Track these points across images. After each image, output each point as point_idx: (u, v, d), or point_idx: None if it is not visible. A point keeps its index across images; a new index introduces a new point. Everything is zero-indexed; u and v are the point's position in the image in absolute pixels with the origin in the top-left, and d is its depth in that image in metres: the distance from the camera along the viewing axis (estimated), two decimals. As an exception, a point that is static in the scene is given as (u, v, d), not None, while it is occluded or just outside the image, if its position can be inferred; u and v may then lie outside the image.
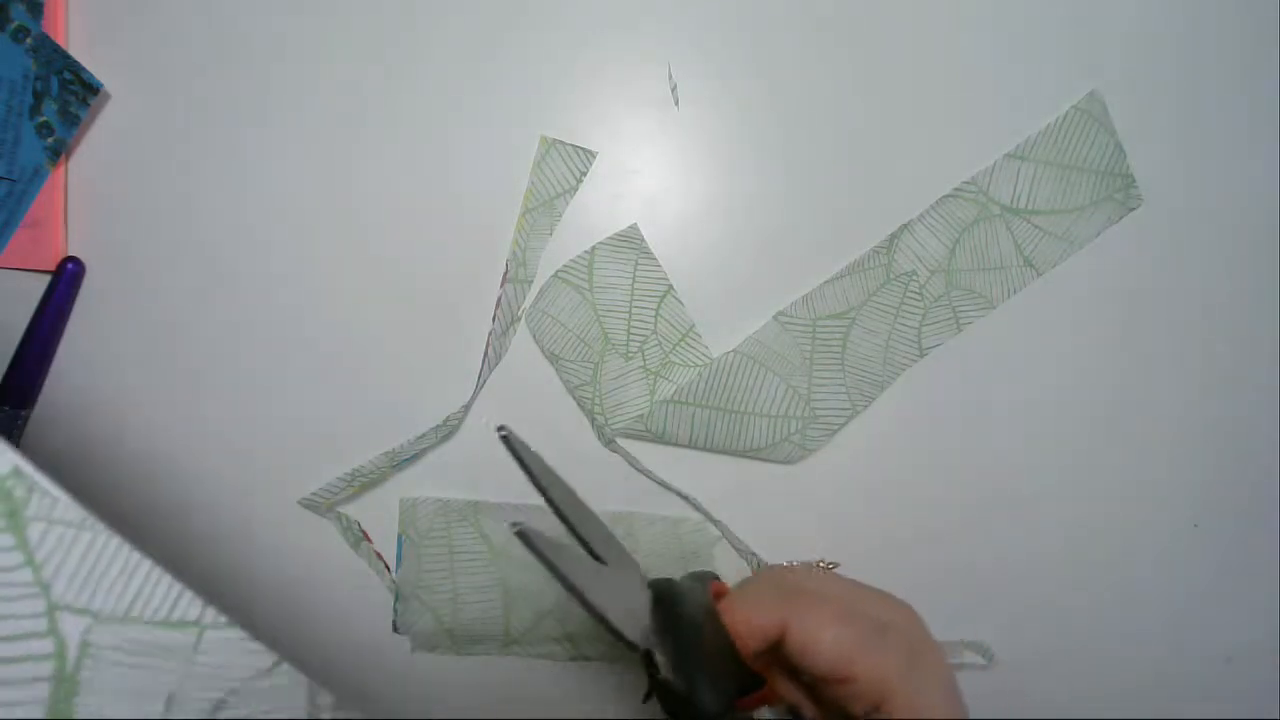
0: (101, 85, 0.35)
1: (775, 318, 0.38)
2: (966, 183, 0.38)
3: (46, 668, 0.18)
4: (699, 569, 0.39)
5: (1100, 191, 0.38)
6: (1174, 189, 0.39)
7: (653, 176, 0.37)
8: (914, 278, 0.38)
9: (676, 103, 0.37)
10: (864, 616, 0.24)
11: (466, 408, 0.37)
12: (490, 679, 0.40)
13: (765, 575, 0.28)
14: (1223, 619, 0.41)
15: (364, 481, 0.37)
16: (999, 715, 0.40)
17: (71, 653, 0.18)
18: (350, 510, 0.39)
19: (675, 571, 0.39)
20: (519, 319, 0.38)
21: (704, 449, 0.38)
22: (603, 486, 0.38)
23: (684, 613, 0.25)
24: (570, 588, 0.21)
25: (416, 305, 0.37)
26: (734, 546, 0.39)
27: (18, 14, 0.33)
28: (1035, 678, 0.40)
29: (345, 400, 0.38)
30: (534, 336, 0.37)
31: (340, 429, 0.38)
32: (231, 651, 0.20)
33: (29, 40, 0.33)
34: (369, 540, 0.39)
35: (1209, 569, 0.40)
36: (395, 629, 0.39)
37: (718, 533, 0.39)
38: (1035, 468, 0.39)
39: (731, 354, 0.37)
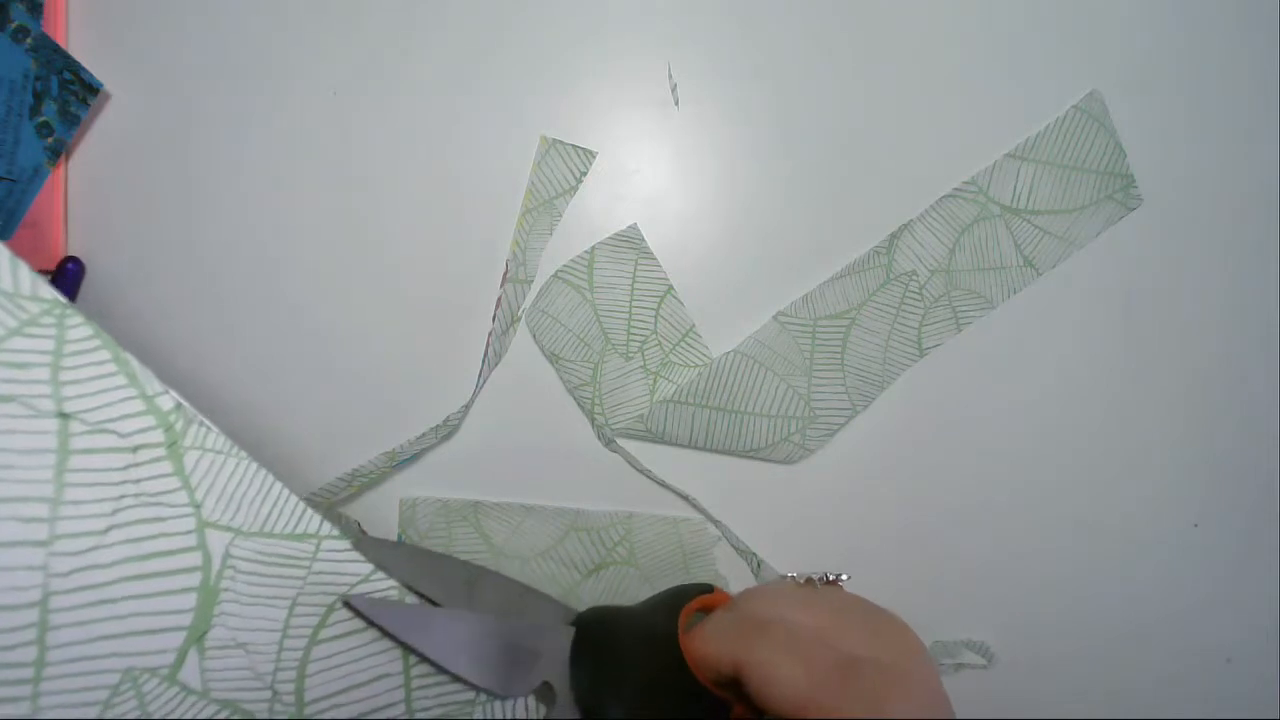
0: (101, 85, 0.35)
1: (775, 318, 0.38)
2: (966, 183, 0.38)
3: (195, 578, 0.21)
4: (699, 572, 0.39)
5: (1100, 191, 0.38)
6: (1174, 189, 0.39)
7: (653, 176, 0.37)
8: (914, 278, 0.38)
9: (676, 103, 0.37)
10: (828, 654, 0.22)
11: (466, 408, 0.37)
12: (490, 679, 0.40)
13: (741, 601, 0.26)
14: (1223, 619, 0.41)
15: (364, 481, 0.37)
16: (999, 715, 0.40)
17: (215, 565, 0.21)
18: (350, 510, 0.39)
19: (676, 572, 0.39)
20: (519, 319, 0.38)
21: (704, 449, 0.38)
22: (603, 486, 0.38)
23: (611, 641, 0.25)
24: (401, 642, 0.21)
25: (416, 305, 0.37)
26: (734, 546, 0.39)
27: (18, 14, 0.33)
28: (1035, 678, 0.40)
29: (345, 400, 0.38)
30: (534, 336, 0.37)
31: (340, 429, 0.38)
32: (340, 559, 0.22)
33: (29, 40, 0.33)
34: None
35: (1209, 569, 0.40)
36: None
37: (718, 533, 0.39)
38: (1035, 468, 0.39)
39: (731, 354, 0.37)
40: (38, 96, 0.34)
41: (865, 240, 0.38)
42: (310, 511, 0.22)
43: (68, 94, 0.34)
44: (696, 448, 0.38)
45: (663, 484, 0.38)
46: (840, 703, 0.21)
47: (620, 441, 0.38)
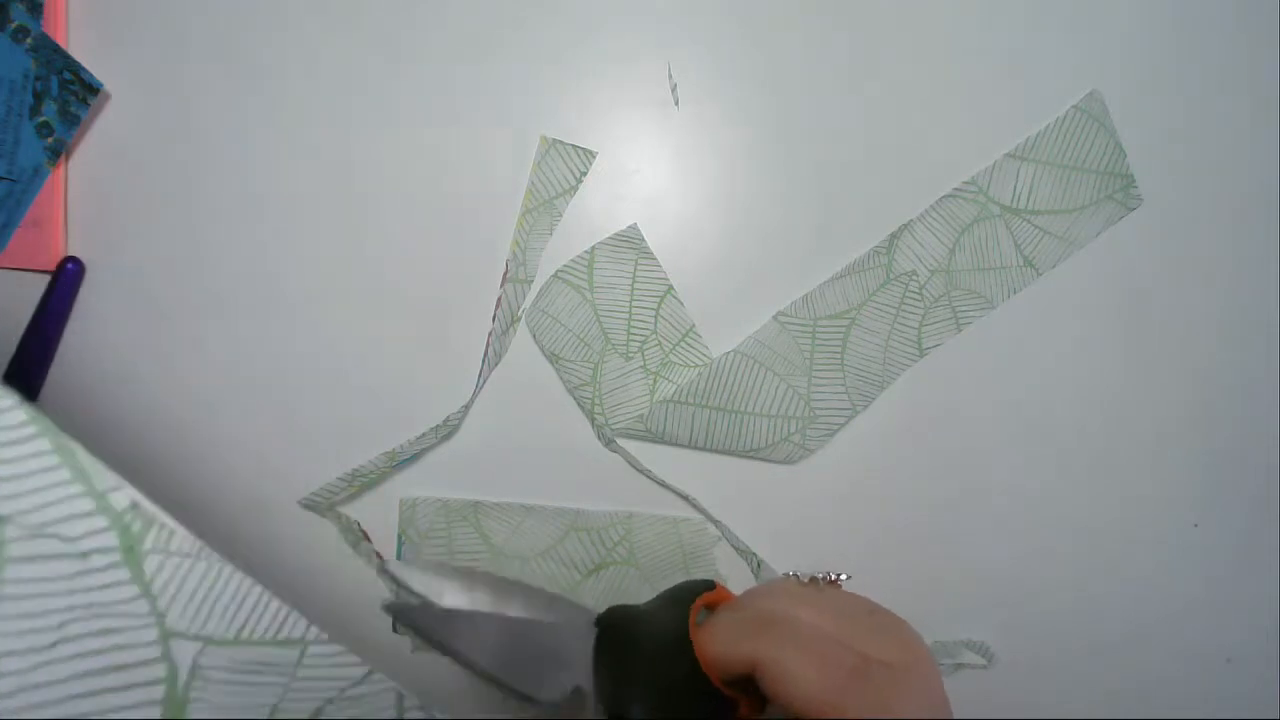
0: (101, 85, 0.35)
1: (775, 318, 0.38)
2: (966, 183, 0.38)
3: (159, 691, 0.19)
4: (699, 572, 0.39)
5: (1100, 191, 0.38)
6: (1174, 189, 0.39)
7: (653, 176, 0.37)
8: (914, 278, 0.38)
9: (676, 103, 0.37)
10: (842, 654, 0.22)
11: (466, 408, 0.37)
12: (490, 679, 0.40)
13: (748, 599, 0.26)
14: (1223, 619, 0.41)
15: (364, 481, 0.37)
16: (999, 715, 0.40)
17: (182, 676, 0.19)
18: (350, 510, 0.39)
19: (676, 572, 0.39)
20: (519, 319, 0.38)
21: (704, 449, 0.38)
22: (603, 486, 0.38)
23: (629, 642, 0.25)
24: (455, 656, 0.21)
25: (416, 305, 0.37)
26: (734, 546, 0.39)
27: (18, 14, 0.33)
28: (1035, 678, 0.40)
29: (345, 400, 0.38)
30: (534, 336, 0.37)
31: (340, 429, 0.38)
32: (330, 664, 0.21)
33: (29, 40, 0.33)
34: (369, 540, 0.39)
35: (1209, 569, 0.40)
36: (395, 629, 0.39)
37: (718, 533, 0.39)
38: (1035, 468, 0.39)
39: (731, 354, 0.37)
40: (38, 96, 0.34)
41: (865, 240, 0.38)
42: (294, 615, 0.21)
43: (68, 94, 0.34)
44: (696, 448, 0.38)
45: (663, 484, 0.38)
46: (850, 701, 0.21)
47: (620, 441, 0.38)
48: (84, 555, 0.19)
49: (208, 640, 0.20)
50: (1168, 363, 0.40)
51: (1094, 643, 0.41)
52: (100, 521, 0.19)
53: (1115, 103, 0.38)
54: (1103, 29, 0.38)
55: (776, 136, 0.37)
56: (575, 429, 0.38)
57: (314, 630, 0.21)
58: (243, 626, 0.20)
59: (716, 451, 0.38)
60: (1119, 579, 0.40)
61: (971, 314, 0.38)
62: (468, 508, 0.38)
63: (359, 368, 0.38)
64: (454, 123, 0.37)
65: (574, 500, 0.38)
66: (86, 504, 0.19)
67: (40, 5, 0.34)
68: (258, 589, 0.20)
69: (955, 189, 0.38)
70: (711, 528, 0.39)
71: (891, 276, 0.38)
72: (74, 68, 0.34)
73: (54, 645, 0.18)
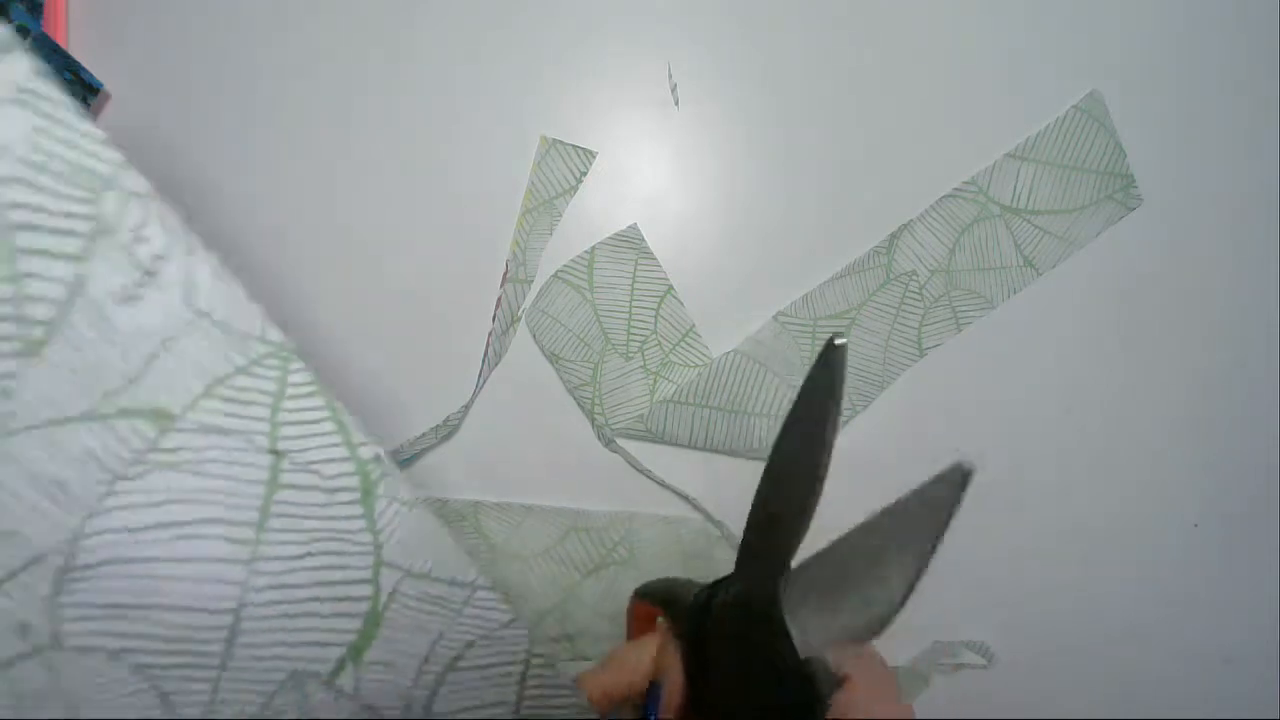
0: (102, 85, 0.35)
1: (775, 318, 0.38)
2: (966, 183, 0.38)
3: (364, 606, 0.24)
4: (698, 572, 0.39)
5: (1100, 191, 0.38)
6: (1174, 189, 0.39)
7: (653, 176, 0.37)
8: (914, 278, 0.38)
9: (676, 103, 0.37)
10: None
11: (466, 408, 0.37)
12: (490, 679, 0.40)
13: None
14: (1222, 619, 0.41)
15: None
16: (999, 715, 0.40)
17: (383, 598, 0.24)
18: (350, 510, 0.39)
19: (676, 572, 0.39)
20: (519, 319, 0.38)
21: (704, 449, 0.38)
22: (603, 486, 0.38)
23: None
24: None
25: (416, 305, 0.37)
26: (734, 547, 0.39)
27: (18, 14, 0.33)
28: (1035, 678, 0.40)
29: (345, 400, 0.38)
30: (534, 336, 0.37)
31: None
32: (487, 607, 0.25)
33: (29, 40, 0.33)
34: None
35: (1209, 569, 0.40)
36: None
37: (718, 533, 0.39)
38: (1035, 467, 0.39)
39: (731, 354, 0.37)
40: (38, 96, 0.34)
41: (865, 240, 0.38)
42: (470, 564, 0.25)
43: (68, 94, 0.34)
44: (696, 448, 0.38)
45: (663, 484, 0.38)
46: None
47: (620, 441, 0.38)
48: (333, 491, 0.23)
49: (407, 572, 0.24)
50: (1167, 362, 0.40)
51: (1094, 643, 0.41)
52: (349, 467, 0.23)
53: (1115, 103, 0.38)
54: (1103, 29, 0.38)
55: (776, 137, 0.37)
56: (575, 429, 0.38)
57: (482, 579, 0.25)
58: (433, 566, 0.24)
59: (716, 451, 0.38)
60: (1119, 579, 0.40)
61: (971, 314, 0.38)
62: (468, 508, 0.38)
63: (359, 367, 0.38)
64: (454, 123, 0.37)
65: (574, 500, 0.38)
66: (342, 452, 0.23)
67: (40, 5, 0.34)
68: (450, 540, 0.25)
69: (955, 189, 0.38)
70: (711, 528, 0.39)
71: (891, 276, 0.38)
72: (74, 68, 0.34)
73: (303, 556, 0.23)
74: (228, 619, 0.22)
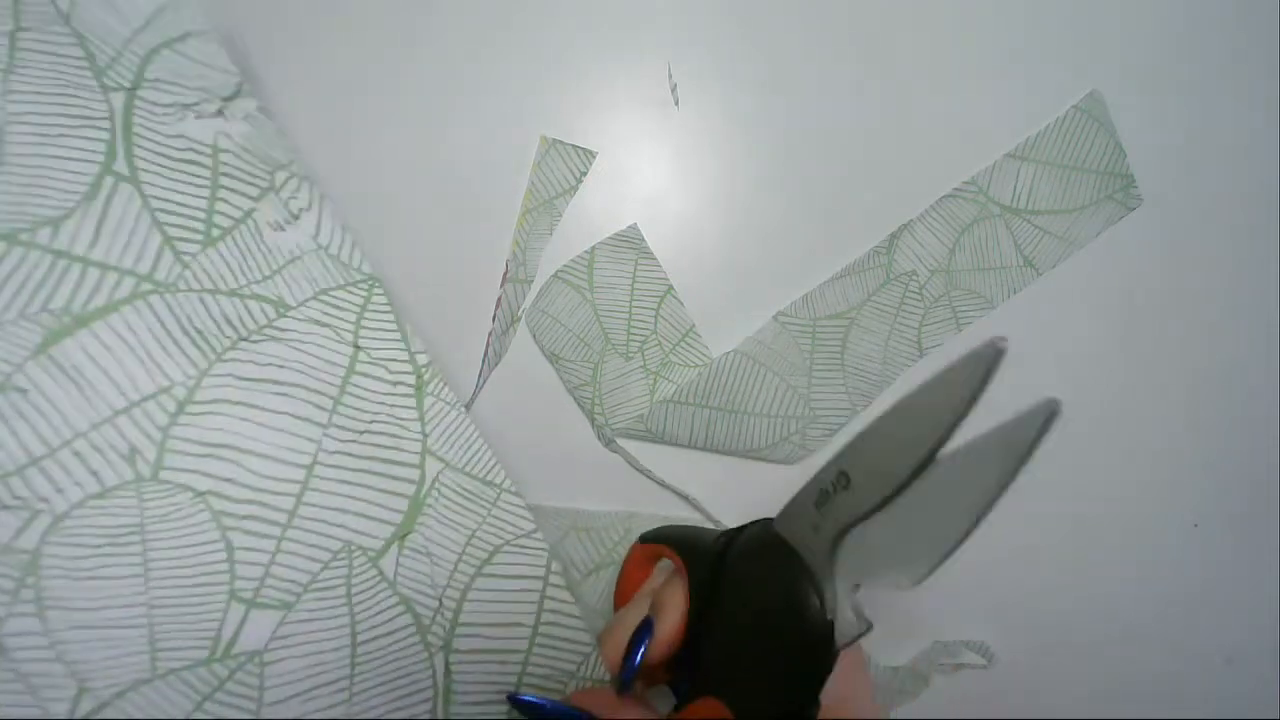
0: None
1: (775, 318, 0.38)
2: (966, 183, 0.38)
3: (410, 488, 0.28)
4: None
5: (1100, 191, 0.38)
6: (1174, 189, 0.39)
7: (653, 176, 0.37)
8: (914, 278, 0.38)
9: (676, 103, 0.37)
10: None
11: (467, 408, 0.37)
12: (490, 679, 0.40)
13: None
14: (1223, 619, 0.41)
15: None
16: (999, 715, 0.40)
17: (426, 484, 0.28)
18: (350, 510, 0.39)
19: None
20: (519, 319, 0.38)
21: (704, 449, 0.38)
22: (603, 486, 0.38)
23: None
24: None
25: (416, 305, 0.37)
26: (734, 546, 0.39)
27: (18, 14, 0.33)
28: (1035, 678, 0.40)
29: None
30: (534, 336, 0.37)
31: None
32: (512, 511, 0.29)
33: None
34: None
35: (1209, 569, 0.40)
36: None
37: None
38: (1034, 467, 0.39)
39: (731, 354, 0.37)
40: (38, 96, 0.34)
41: (865, 240, 0.38)
42: (500, 467, 0.29)
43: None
44: (696, 448, 0.38)
45: (663, 484, 0.38)
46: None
47: (620, 441, 0.38)
48: (395, 383, 0.28)
49: (448, 464, 0.29)
50: (1168, 362, 0.39)
51: (1094, 643, 0.41)
52: (408, 366, 0.29)
53: (1115, 103, 0.38)
54: (1103, 29, 0.38)
55: (776, 136, 0.37)
56: (575, 429, 0.38)
57: (509, 482, 0.29)
58: (469, 461, 0.29)
59: (716, 451, 0.38)
60: (1119, 579, 0.40)
61: (971, 314, 0.38)
62: (468, 508, 0.38)
63: (359, 368, 0.38)
64: (453, 123, 0.37)
65: (574, 500, 0.39)
66: (404, 355, 0.29)
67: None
68: (481, 440, 0.29)
69: (955, 189, 0.38)
70: (711, 528, 0.39)
71: (891, 277, 0.38)
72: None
73: (363, 433, 0.28)
74: (302, 474, 0.26)
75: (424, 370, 0.29)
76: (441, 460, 0.28)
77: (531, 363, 0.38)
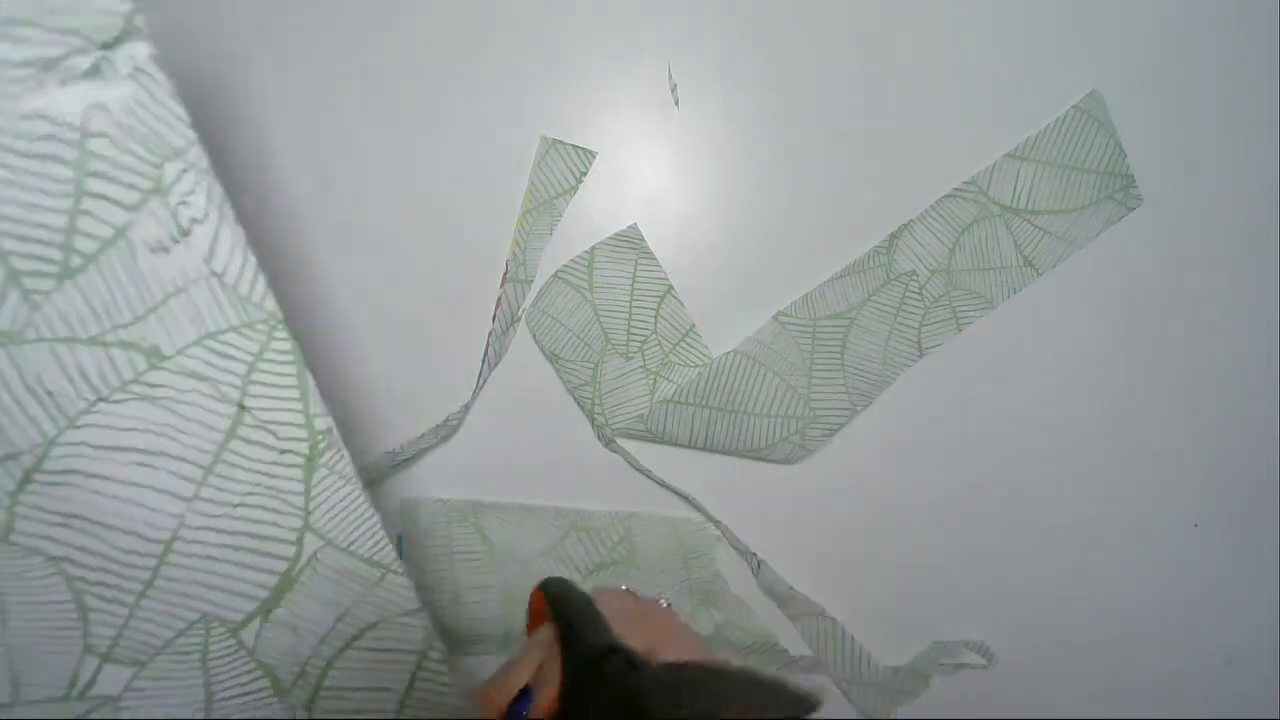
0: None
1: (775, 318, 0.38)
2: (966, 183, 0.38)
3: (283, 565, 0.25)
4: (698, 572, 0.39)
5: (1100, 191, 0.38)
6: (1174, 189, 0.39)
7: (653, 176, 0.37)
8: (914, 278, 0.38)
9: (676, 103, 0.37)
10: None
11: (467, 408, 0.37)
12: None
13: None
14: (1223, 619, 0.41)
15: (364, 481, 0.37)
16: (999, 715, 0.40)
17: (302, 562, 0.25)
18: (350, 510, 0.39)
19: (676, 572, 0.39)
20: (519, 319, 0.38)
21: (704, 449, 0.38)
22: (603, 486, 0.38)
23: None
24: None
25: (416, 305, 0.37)
26: (734, 546, 0.39)
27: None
28: (1035, 678, 0.40)
29: (346, 400, 0.38)
30: (534, 336, 0.37)
31: (340, 429, 0.38)
32: (396, 591, 0.26)
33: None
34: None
35: (1209, 569, 0.40)
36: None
37: (718, 533, 0.39)
38: (1035, 467, 0.39)
39: (731, 354, 0.37)
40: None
41: (865, 240, 0.38)
42: (389, 547, 0.26)
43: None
44: (696, 448, 0.38)
45: (663, 484, 0.38)
46: None
47: (620, 441, 0.38)
48: (281, 452, 0.25)
49: (329, 542, 0.26)
50: (1168, 363, 0.39)
51: (1094, 643, 0.41)
52: (302, 433, 0.25)
53: (1115, 103, 0.38)
54: (1103, 29, 0.38)
55: (776, 137, 0.37)
56: (575, 429, 0.38)
57: (398, 564, 0.26)
58: (354, 541, 0.26)
59: (716, 451, 0.38)
60: (1119, 579, 0.40)
61: (971, 314, 0.38)
62: (468, 507, 0.38)
63: (360, 368, 0.38)
64: (454, 123, 0.37)
65: (574, 500, 0.39)
66: (298, 418, 0.25)
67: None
68: (377, 518, 0.26)
69: (955, 189, 0.38)
70: (711, 528, 0.39)
71: (891, 276, 0.38)
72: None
73: (238, 506, 0.24)
74: (159, 549, 0.24)
75: (320, 438, 0.25)
76: (323, 538, 0.25)
77: (532, 363, 0.38)
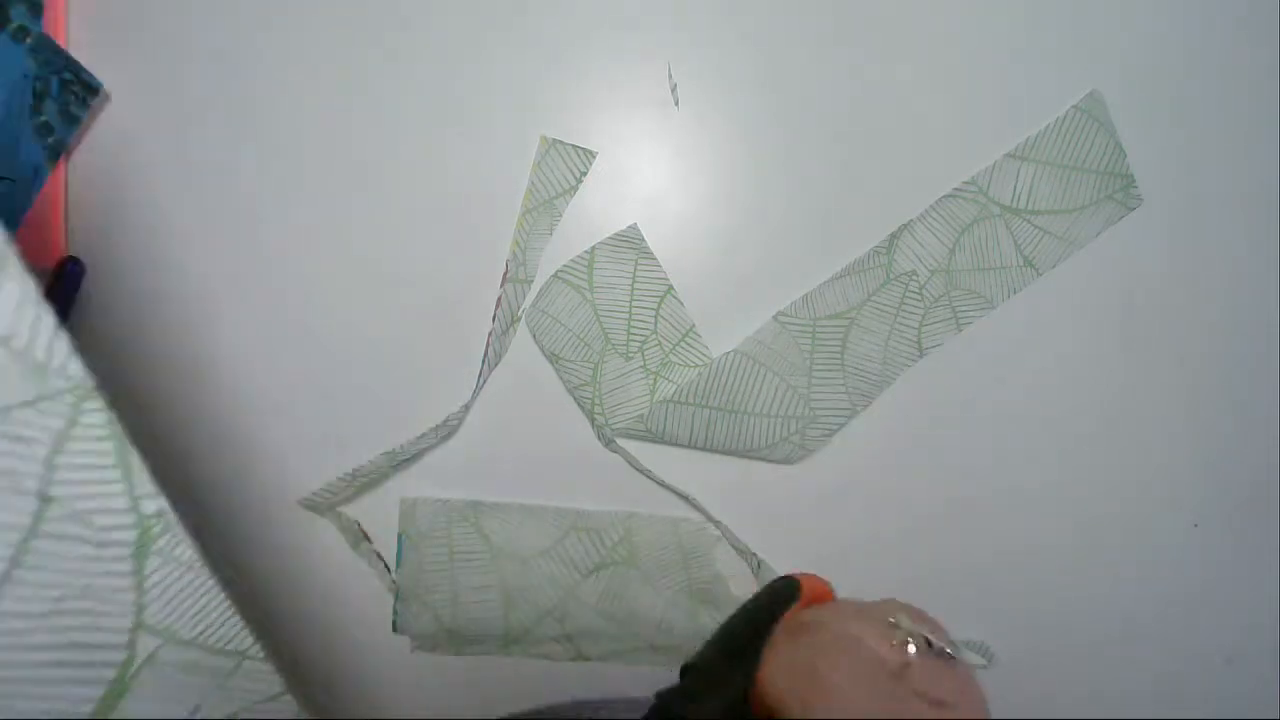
0: (101, 85, 0.35)
1: (775, 318, 0.38)
2: (966, 183, 0.38)
3: (111, 673, 0.21)
4: (698, 572, 0.39)
5: (1100, 191, 0.38)
6: (1174, 189, 0.39)
7: (653, 176, 0.37)
8: (914, 278, 0.38)
9: (676, 103, 0.37)
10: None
11: (467, 408, 0.37)
12: (490, 678, 0.40)
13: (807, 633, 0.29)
14: (1223, 619, 0.41)
15: (364, 481, 0.37)
16: (999, 715, 0.40)
17: (135, 664, 0.22)
18: (350, 510, 0.39)
19: (676, 572, 0.39)
20: (519, 319, 0.38)
21: (704, 449, 0.38)
22: (603, 486, 0.38)
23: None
24: None
25: (416, 305, 0.37)
26: (734, 546, 0.39)
27: (18, 14, 0.33)
28: (1035, 678, 0.40)
29: (346, 400, 0.38)
30: (534, 336, 0.37)
31: (340, 429, 0.38)
32: (255, 678, 0.23)
33: (29, 40, 0.33)
34: (369, 540, 0.39)
35: (1209, 569, 0.40)
36: (395, 629, 0.39)
37: (718, 533, 0.39)
38: (1035, 468, 0.39)
39: (731, 354, 0.37)
40: (38, 96, 0.34)
41: (865, 240, 0.38)
42: (245, 632, 0.23)
43: (68, 94, 0.34)
44: (696, 448, 0.38)
45: (663, 484, 0.38)
46: None
47: (620, 441, 0.38)
48: (101, 545, 0.21)
49: (170, 638, 0.22)
50: (1167, 362, 0.39)
51: (1093, 643, 0.41)
52: (127, 519, 0.21)
53: (1115, 103, 0.38)
54: (1103, 29, 0.38)
55: (776, 137, 0.37)
56: (575, 429, 0.38)
57: (256, 648, 0.23)
58: (203, 632, 0.23)
59: (716, 451, 0.38)
60: (1119, 579, 0.40)
61: (971, 314, 0.38)
62: (468, 507, 0.38)
63: (359, 368, 0.38)
64: (454, 123, 0.37)
65: (574, 500, 0.39)
66: (122, 503, 0.21)
67: (40, 5, 0.34)
68: (227, 605, 0.23)
69: (955, 189, 0.38)
70: (711, 528, 0.39)
71: (891, 276, 0.38)
72: (74, 68, 0.34)
73: (49, 615, 0.20)
74: None
75: (152, 523, 0.21)
76: (161, 635, 0.22)
77: (532, 363, 0.38)
